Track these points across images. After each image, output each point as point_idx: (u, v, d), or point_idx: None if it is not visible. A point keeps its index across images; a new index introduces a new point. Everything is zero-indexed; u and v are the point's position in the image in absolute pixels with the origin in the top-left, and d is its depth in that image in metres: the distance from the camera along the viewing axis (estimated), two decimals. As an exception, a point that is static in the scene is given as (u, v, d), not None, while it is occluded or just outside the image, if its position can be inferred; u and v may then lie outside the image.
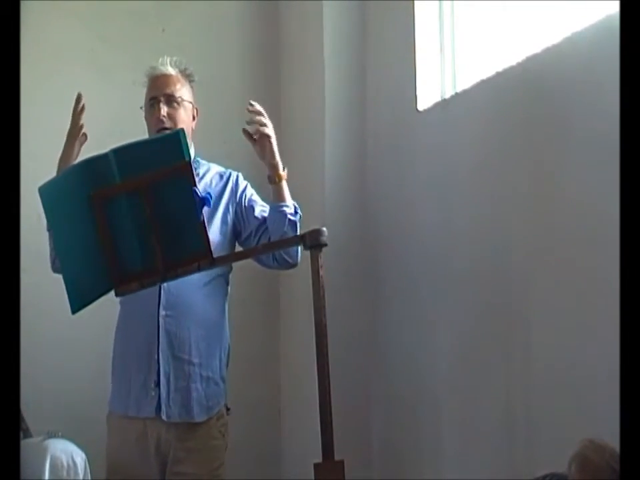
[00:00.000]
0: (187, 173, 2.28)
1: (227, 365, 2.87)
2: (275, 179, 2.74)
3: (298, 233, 2.72)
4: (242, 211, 2.86)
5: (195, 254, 2.33)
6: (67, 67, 3.72)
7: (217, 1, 3.93)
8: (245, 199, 2.88)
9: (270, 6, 4.03)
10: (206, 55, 3.81)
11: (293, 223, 2.74)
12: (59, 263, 2.42)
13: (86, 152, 2.34)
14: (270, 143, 2.71)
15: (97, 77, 3.74)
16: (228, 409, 2.86)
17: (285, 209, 2.74)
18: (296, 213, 2.76)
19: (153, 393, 2.71)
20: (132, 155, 2.29)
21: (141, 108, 2.90)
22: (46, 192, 2.30)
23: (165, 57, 2.91)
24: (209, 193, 2.40)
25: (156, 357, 2.72)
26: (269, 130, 2.71)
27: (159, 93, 2.85)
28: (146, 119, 2.90)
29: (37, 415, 3.15)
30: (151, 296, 2.68)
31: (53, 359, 3.52)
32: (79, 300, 2.34)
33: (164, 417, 2.71)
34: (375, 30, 3.57)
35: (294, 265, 2.82)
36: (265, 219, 2.81)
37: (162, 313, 2.74)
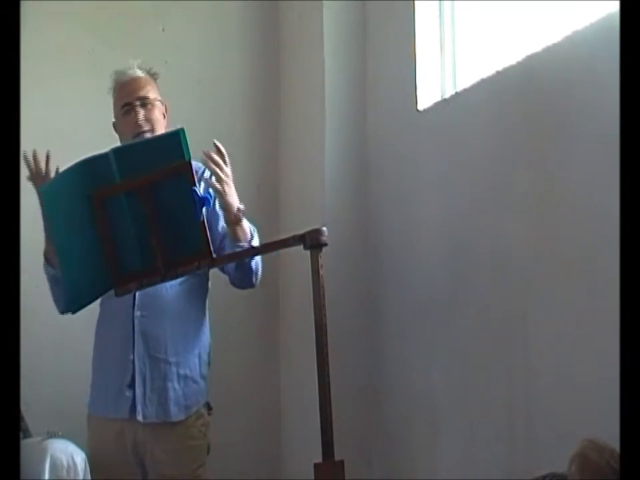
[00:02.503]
0: (186, 173, 2.28)
1: (209, 363, 2.86)
2: (229, 221, 2.68)
3: (253, 267, 2.75)
4: (208, 214, 2.80)
5: (195, 253, 2.34)
6: (67, 68, 3.71)
7: (217, 0, 3.93)
8: (212, 204, 2.81)
9: (270, 6, 4.02)
10: (206, 54, 3.80)
11: (244, 265, 2.73)
12: (58, 262, 2.41)
13: (86, 152, 2.33)
14: (225, 191, 2.62)
15: (96, 77, 3.72)
16: (210, 409, 2.85)
17: (237, 249, 2.70)
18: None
19: (128, 394, 2.71)
20: (132, 155, 2.30)
21: (114, 124, 2.87)
22: (46, 191, 2.31)
23: (131, 60, 2.92)
24: (209, 193, 2.40)
25: (131, 357, 2.72)
26: (224, 185, 2.61)
27: (132, 97, 2.84)
28: (118, 126, 2.87)
29: (37, 415, 3.15)
30: (125, 298, 2.65)
31: (53, 359, 3.51)
32: (79, 300, 2.34)
33: (139, 418, 2.71)
34: (375, 30, 3.57)
35: (251, 287, 2.83)
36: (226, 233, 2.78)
37: (137, 313, 2.74)
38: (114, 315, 2.77)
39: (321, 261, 2.27)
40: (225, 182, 2.61)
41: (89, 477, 2.96)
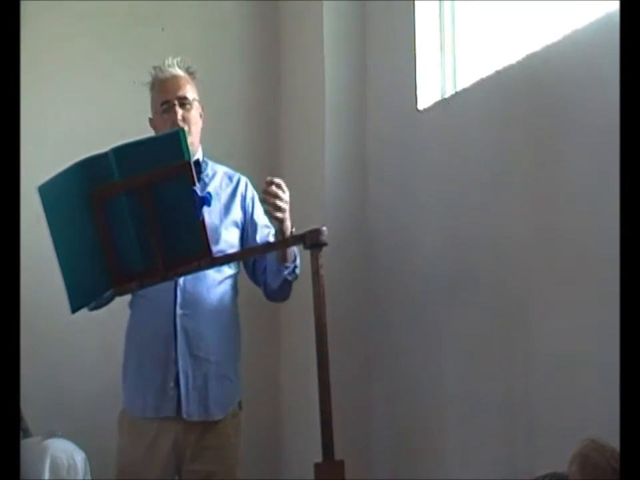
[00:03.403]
0: (186, 172, 2.28)
1: (239, 362, 2.90)
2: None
3: (290, 289, 2.85)
4: (246, 224, 2.90)
5: (195, 253, 2.34)
6: (67, 67, 3.72)
7: (216, 0, 3.93)
8: (250, 213, 2.91)
9: (270, 6, 4.02)
10: (206, 54, 3.80)
11: (288, 283, 2.82)
12: (58, 261, 2.41)
13: (86, 152, 2.33)
14: (283, 219, 2.65)
15: (96, 77, 3.74)
16: (240, 405, 2.88)
17: (284, 270, 2.78)
18: (294, 271, 2.80)
19: (172, 393, 2.72)
20: (132, 154, 2.29)
21: (150, 119, 2.90)
22: (45, 191, 2.30)
23: (171, 58, 2.91)
24: (208, 192, 2.41)
25: (173, 356, 2.74)
26: (282, 214, 2.64)
27: (172, 96, 2.84)
28: (156, 122, 2.88)
29: (36, 415, 3.15)
30: (166, 295, 2.71)
31: (53, 359, 3.51)
32: (79, 299, 2.34)
33: (184, 416, 2.72)
34: (375, 30, 3.57)
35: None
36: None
37: (179, 312, 2.76)
38: (152, 313, 2.78)
39: (320, 260, 2.27)
40: (284, 210, 2.63)
41: (89, 477, 2.96)
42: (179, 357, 2.74)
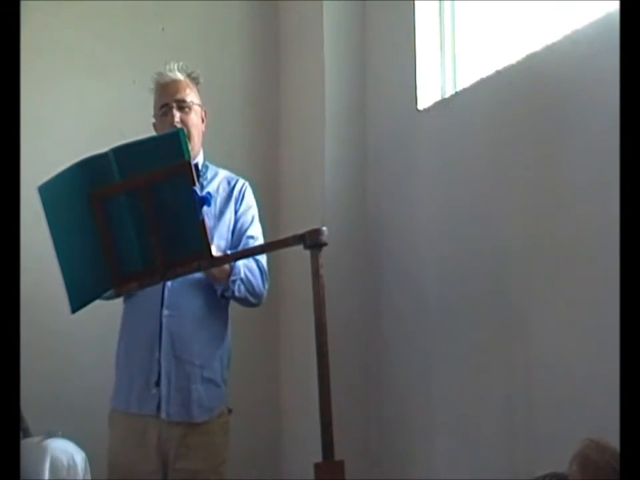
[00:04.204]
0: (186, 172, 2.28)
1: (228, 368, 2.89)
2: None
3: (239, 296, 2.80)
4: (235, 230, 2.87)
5: (195, 253, 2.34)
6: (67, 67, 3.72)
7: (217, 0, 3.93)
8: (240, 222, 2.89)
9: (270, 6, 4.03)
10: (206, 54, 3.80)
11: (227, 298, 2.82)
12: (58, 261, 2.41)
13: (86, 152, 2.33)
14: None
15: (96, 77, 3.74)
16: (230, 411, 2.87)
17: (217, 289, 2.79)
18: (229, 289, 2.77)
19: (154, 391, 2.73)
20: (132, 154, 2.30)
21: (154, 124, 2.91)
22: (45, 191, 2.30)
23: (172, 63, 2.92)
24: (208, 192, 2.41)
25: (157, 356, 2.75)
26: None
27: (170, 99, 2.86)
28: (157, 126, 2.90)
29: (36, 415, 3.15)
30: (154, 295, 2.71)
31: (53, 359, 3.51)
32: (79, 299, 2.34)
33: (163, 416, 2.73)
34: (375, 30, 3.57)
35: (252, 307, 2.91)
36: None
37: (165, 312, 2.76)
38: (141, 312, 2.80)
39: (320, 260, 2.27)
40: None
41: (89, 477, 2.96)
42: (162, 357, 2.74)
